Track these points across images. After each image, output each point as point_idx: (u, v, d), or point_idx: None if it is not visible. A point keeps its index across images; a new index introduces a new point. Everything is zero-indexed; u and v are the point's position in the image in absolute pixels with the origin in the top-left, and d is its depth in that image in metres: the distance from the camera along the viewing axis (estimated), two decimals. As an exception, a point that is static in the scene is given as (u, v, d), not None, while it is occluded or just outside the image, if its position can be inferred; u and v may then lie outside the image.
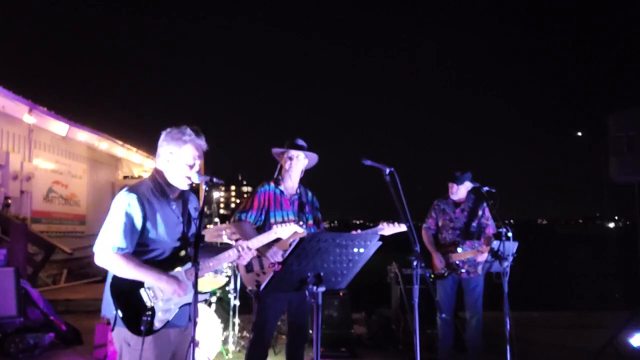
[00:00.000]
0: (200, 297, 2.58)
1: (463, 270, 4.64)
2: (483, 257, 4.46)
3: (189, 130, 2.60)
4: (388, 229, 3.53)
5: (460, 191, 4.78)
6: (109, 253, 2.43)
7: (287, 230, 3.13)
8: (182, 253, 2.63)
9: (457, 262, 4.65)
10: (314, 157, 3.91)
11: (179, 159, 2.59)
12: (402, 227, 3.47)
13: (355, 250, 2.50)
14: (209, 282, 5.15)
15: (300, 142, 3.84)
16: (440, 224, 4.88)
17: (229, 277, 5.34)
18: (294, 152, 3.80)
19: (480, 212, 4.76)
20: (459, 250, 4.67)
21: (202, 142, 2.64)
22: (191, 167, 2.60)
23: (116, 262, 2.43)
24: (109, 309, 2.48)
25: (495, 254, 3.97)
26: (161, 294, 2.51)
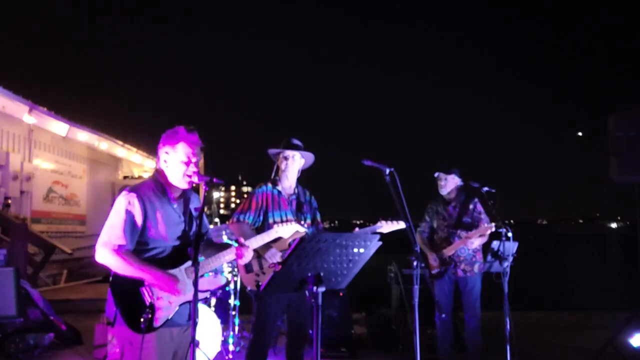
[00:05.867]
0: (200, 296, 2.60)
1: (460, 269, 4.62)
2: (473, 243, 4.44)
3: (181, 129, 2.64)
4: (387, 226, 3.55)
5: (449, 184, 4.74)
6: (109, 250, 2.47)
7: (289, 230, 3.15)
8: (182, 252, 2.64)
9: (450, 256, 4.63)
10: (310, 157, 3.90)
11: (174, 158, 2.62)
12: (401, 224, 3.49)
13: (356, 250, 2.50)
14: (209, 281, 5.13)
15: (296, 141, 3.84)
16: (435, 225, 4.87)
17: (229, 277, 5.34)
18: (289, 152, 3.80)
19: (471, 207, 4.75)
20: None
21: (195, 139, 2.65)
22: (187, 164, 2.61)
23: (116, 259, 2.46)
24: (110, 308, 2.52)
25: (495, 254, 3.98)
26: (160, 292, 2.52)
